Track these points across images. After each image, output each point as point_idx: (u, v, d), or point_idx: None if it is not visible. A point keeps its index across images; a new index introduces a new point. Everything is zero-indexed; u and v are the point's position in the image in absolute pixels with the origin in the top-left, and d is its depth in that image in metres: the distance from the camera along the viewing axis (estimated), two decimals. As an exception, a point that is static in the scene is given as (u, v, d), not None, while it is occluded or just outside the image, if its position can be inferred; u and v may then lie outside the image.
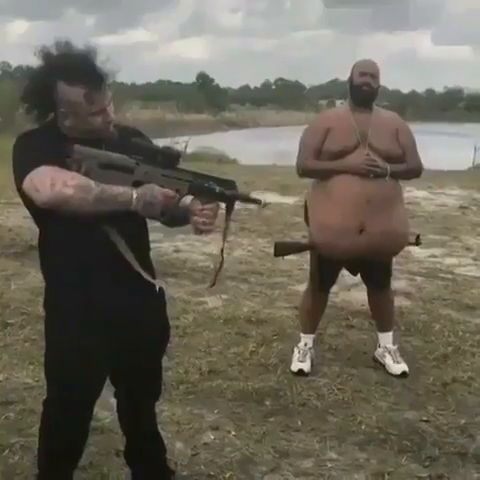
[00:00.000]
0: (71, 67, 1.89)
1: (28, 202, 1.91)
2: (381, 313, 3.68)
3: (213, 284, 2.14)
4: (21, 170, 1.86)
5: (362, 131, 3.32)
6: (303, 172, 3.48)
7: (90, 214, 1.86)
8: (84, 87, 1.88)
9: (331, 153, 3.35)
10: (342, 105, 3.62)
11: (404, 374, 3.52)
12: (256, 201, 1.99)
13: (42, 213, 1.90)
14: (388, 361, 3.59)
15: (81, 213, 1.84)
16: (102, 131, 1.96)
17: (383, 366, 3.61)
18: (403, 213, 3.50)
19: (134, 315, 2.05)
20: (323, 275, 3.57)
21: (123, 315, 2.03)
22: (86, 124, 1.92)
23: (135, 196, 1.86)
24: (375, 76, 3.38)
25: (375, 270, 3.55)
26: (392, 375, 3.52)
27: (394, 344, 3.67)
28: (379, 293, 3.63)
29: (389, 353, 3.61)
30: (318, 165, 3.39)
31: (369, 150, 3.31)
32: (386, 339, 3.67)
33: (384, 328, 3.69)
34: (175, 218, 2.00)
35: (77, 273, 1.99)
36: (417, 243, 3.75)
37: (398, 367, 3.55)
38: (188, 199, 1.98)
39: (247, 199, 2.00)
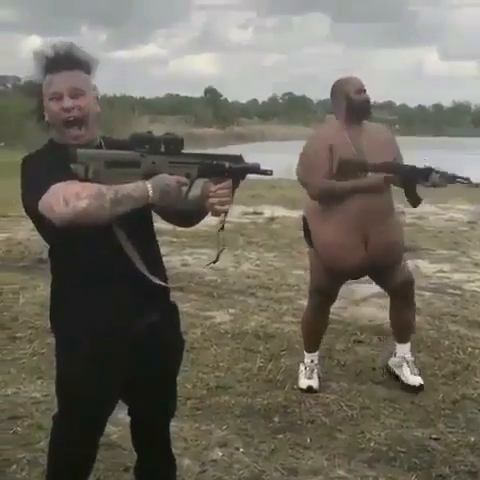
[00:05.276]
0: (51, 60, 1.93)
1: (40, 225, 1.90)
2: (400, 321, 3.60)
3: (216, 260, 2.10)
4: (32, 194, 1.83)
5: (357, 146, 3.32)
6: (320, 193, 3.33)
7: (110, 220, 1.82)
8: (50, 73, 1.92)
9: (331, 170, 3.28)
10: (333, 121, 3.54)
11: (421, 387, 3.47)
12: (267, 172, 1.98)
13: (56, 234, 1.87)
14: (405, 371, 3.54)
15: (101, 221, 1.80)
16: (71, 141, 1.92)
17: (396, 377, 3.57)
18: (399, 222, 3.59)
19: (149, 331, 2.03)
20: (329, 290, 3.55)
21: (138, 331, 2.00)
22: (58, 132, 1.93)
23: (150, 188, 1.82)
24: (366, 91, 3.44)
25: (384, 274, 3.51)
26: (401, 391, 3.49)
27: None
28: (399, 299, 3.56)
29: (407, 363, 3.56)
30: (337, 185, 3.29)
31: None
32: (404, 349, 3.62)
33: (402, 338, 3.62)
34: (190, 204, 1.97)
35: (92, 288, 1.96)
36: None
37: (415, 379, 3.50)
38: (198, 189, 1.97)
39: (257, 171, 1.98)
